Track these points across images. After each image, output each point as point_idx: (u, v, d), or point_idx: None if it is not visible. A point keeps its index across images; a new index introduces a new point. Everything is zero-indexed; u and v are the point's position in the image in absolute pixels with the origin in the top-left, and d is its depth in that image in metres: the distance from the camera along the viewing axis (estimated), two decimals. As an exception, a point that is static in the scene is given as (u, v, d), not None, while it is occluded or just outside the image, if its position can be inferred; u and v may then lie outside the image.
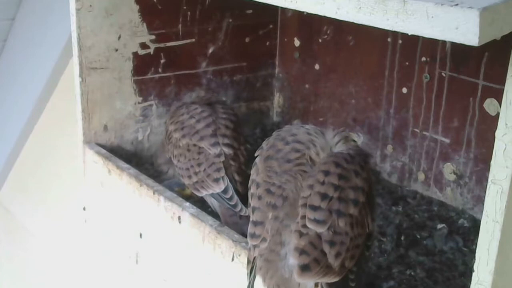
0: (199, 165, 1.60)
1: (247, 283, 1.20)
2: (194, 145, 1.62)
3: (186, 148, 1.63)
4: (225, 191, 1.55)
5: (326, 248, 1.10)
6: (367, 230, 1.18)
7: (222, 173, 1.56)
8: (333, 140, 1.23)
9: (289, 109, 2.15)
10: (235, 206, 1.53)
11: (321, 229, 1.10)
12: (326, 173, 1.15)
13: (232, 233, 1.40)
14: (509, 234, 0.98)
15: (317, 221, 1.11)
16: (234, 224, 1.51)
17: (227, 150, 1.60)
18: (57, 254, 3.53)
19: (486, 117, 1.57)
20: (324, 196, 1.12)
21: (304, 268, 1.09)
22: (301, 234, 1.11)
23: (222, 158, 1.58)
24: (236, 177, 1.58)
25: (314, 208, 1.12)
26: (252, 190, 1.22)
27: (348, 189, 1.14)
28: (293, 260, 1.10)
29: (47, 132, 3.43)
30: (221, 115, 1.69)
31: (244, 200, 1.50)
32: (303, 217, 1.12)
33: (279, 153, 1.21)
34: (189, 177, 1.62)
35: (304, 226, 1.11)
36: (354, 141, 1.26)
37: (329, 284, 1.13)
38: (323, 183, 1.14)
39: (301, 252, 1.10)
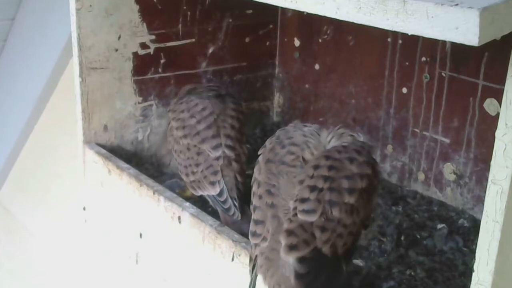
0: (197, 165, 1.60)
1: (249, 281, 1.20)
2: (195, 145, 1.62)
3: (186, 147, 1.63)
4: (220, 194, 1.55)
5: (316, 233, 1.11)
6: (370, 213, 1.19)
7: (219, 176, 1.56)
8: (326, 139, 1.24)
9: (289, 109, 2.15)
10: (228, 210, 1.53)
11: (311, 218, 1.11)
12: (316, 167, 1.17)
13: (232, 233, 1.40)
14: (509, 234, 0.98)
15: (306, 211, 1.12)
16: (233, 223, 1.51)
17: (229, 152, 1.59)
18: (57, 254, 3.53)
19: (486, 117, 1.57)
20: (313, 188, 1.13)
21: (292, 248, 1.10)
22: (291, 221, 1.12)
23: (221, 161, 1.58)
24: (239, 178, 1.57)
25: (304, 200, 1.13)
26: (254, 188, 1.24)
27: (341, 179, 1.15)
28: (282, 241, 1.11)
29: (47, 132, 3.43)
30: (229, 111, 1.67)
31: (245, 200, 1.51)
32: (294, 209, 1.13)
33: (276, 156, 1.24)
34: (187, 175, 1.62)
35: (295, 215, 1.12)
36: (352, 135, 1.26)
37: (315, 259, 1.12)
38: (312, 176, 1.15)
39: (290, 233, 1.11)
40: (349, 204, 1.13)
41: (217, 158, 1.59)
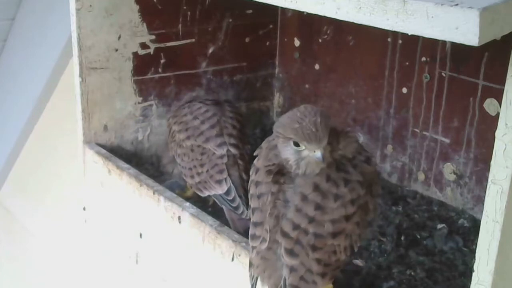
0: (202, 165, 1.59)
1: (250, 285, 1.20)
2: (198, 146, 1.62)
3: (190, 148, 1.63)
4: (227, 192, 1.54)
5: (318, 280, 1.12)
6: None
7: (225, 174, 1.56)
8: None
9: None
10: (237, 208, 1.52)
11: (293, 262, 1.11)
12: (304, 198, 1.12)
13: (232, 233, 1.41)
14: (509, 234, 0.98)
15: (290, 253, 1.11)
16: (239, 220, 1.51)
17: (234, 150, 1.60)
18: (57, 254, 3.53)
19: (486, 117, 1.57)
20: (296, 227, 1.11)
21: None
22: (291, 253, 1.12)
23: (225, 159, 1.58)
24: (244, 176, 1.57)
25: (286, 235, 1.12)
26: (252, 190, 1.22)
27: (326, 223, 1.11)
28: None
29: (47, 132, 3.43)
30: (228, 113, 1.68)
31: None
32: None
33: None
34: (192, 177, 1.62)
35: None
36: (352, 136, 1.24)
37: None
38: (297, 209, 1.12)
39: (291, 269, 1.11)
40: (340, 246, 1.13)
41: (222, 156, 1.58)
